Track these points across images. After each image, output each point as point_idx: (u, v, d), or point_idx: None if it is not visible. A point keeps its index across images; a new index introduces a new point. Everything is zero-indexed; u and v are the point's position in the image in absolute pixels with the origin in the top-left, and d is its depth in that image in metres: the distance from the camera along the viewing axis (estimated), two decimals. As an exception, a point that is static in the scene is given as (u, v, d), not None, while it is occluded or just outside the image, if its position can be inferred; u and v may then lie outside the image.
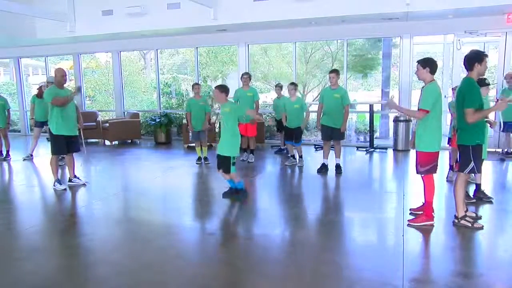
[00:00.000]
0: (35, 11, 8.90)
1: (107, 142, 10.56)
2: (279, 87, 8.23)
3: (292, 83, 7.28)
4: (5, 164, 8.21)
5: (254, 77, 12.08)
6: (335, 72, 6.56)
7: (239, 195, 5.32)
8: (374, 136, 9.33)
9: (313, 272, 3.33)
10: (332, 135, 6.67)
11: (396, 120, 8.82)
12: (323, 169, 6.76)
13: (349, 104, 6.63)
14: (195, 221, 4.77)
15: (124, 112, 11.51)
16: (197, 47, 10.64)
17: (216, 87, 5.39)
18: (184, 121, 9.66)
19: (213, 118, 10.84)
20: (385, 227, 4.46)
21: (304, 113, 7.18)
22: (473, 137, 4.03)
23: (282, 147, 8.49)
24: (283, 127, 8.18)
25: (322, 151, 7.11)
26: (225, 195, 5.40)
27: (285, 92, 8.44)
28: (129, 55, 13.70)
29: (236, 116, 5.33)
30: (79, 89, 6.23)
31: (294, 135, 7.23)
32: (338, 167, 6.75)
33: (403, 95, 9.00)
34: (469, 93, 3.92)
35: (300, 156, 7.45)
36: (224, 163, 5.24)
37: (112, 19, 9.27)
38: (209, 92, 12.14)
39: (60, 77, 5.91)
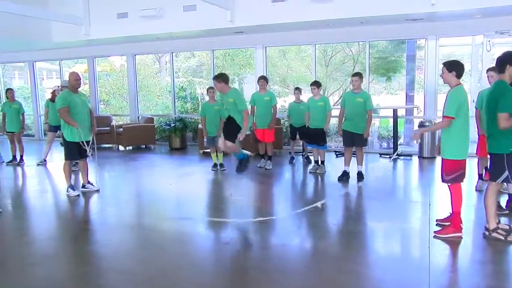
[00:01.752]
0: (50, 15, 9.12)
1: (121, 147, 10.71)
2: (298, 90, 8.19)
3: (315, 82, 7.32)
4: (18, 169, 8.41)
5: (272, 81, 12.10)
6: (358, 75, 6.53)
7: (242, 163, 5.66)
8: (398, 143, 9.22)
9: (332, 284, 3.30)
10: (354, 141, 6.62)
11: (422, 125, 8.69)
12: (344, 176, 6.71)
13: (373, 109, 6.59)
14: (210, 229, 4.79)
15: (138, 117, 11.67)
16: (213, 50, 10.74)
17: (214, 78, 5.57)
18: (200, 126, 9.73)
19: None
20: (409, 238, 4.39)
21: (327, 113, 7.16)
22: (507, 145, 3.92)
23: (294, 155, 8.44)
24: (296, 135, 8.17)
25: (343, 157, 7.06)
26: (238, 169, 5.78)
27: (303, 95, 8.42)
28: (144, 58, 13.88)
29: (238, 110, 5.62)
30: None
31: (318, 137, 7.21)
32: (360, 175, 6.69)
33: (429, 99, 8.89)
34: (503, 97, 3.84)
35: (322, 162, 7.42)
36: (233, 132, 5.56)
37: (127, 22, 9.43)
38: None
39: (74, 81, 5.99)
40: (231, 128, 5.73)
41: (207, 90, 7.73)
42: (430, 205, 5.35)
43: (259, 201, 5.93)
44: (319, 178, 7.07)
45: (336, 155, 9.04)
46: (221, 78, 5.66)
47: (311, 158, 8.16)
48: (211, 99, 7.61)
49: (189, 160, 9.24)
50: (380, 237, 4.41)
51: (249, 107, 6.93)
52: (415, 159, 8.59)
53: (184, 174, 7.58)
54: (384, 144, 10.53)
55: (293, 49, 12.73)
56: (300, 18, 8.12)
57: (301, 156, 8.69)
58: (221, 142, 5.73)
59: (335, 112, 7.86)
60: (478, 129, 5.65)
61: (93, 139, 6.17)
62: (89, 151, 6.07)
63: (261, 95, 7.57)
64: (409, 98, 10.64)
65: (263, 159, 7.89)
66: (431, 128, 4.31)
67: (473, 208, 5.18)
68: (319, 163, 7.44)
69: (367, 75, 9.24)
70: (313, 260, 3.83)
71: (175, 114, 11.31)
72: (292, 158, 8.37)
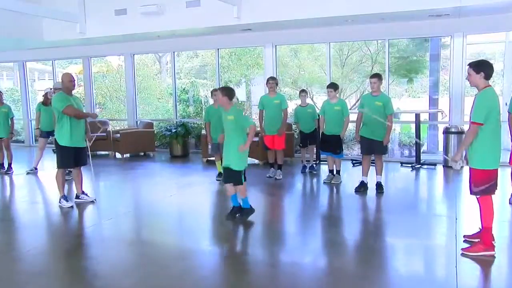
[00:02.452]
0: (42, 11, 9.16)
1: (118, 155, 10.79)
2: (304, 93, 8.17)
3: (332, 84, 7.33)
4: (6, 178, 8.49)
5: (282, 82, 12.12)
6: (377, 76, 6.53)
7: (242, 214, 5.35)
8: (421, 150, 9.18)
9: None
10: (373, 148, 6.61)
11: (447, 132, 8.66)
12: (361, 187, 6.69)
13: (393, 113, 6.58)
14: (215, 245, 4.80)
15: (137, 122, 11.77)
16: (218, 49, 10.81)
17: (220, 88, 5.42)
18: (203, 131, 9.76)
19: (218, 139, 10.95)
20: (434, 256, 4.36)
21: (345, 119, 7.18)
22: None
23: (306, 164, 8.44)
24: (307, 141, 8.17)
25: (360, 167, 7.05)
26: (229, 216, 5.41)
27: (318, 97, 8.43)
28: (143, 58, 13.98)
29: (240, 128, 5.26)
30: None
31: (333, 144, 7.21)
32: (379, 186, 6.67)
33: (454, 103, 8.84)
34: None
35: (338, 172, 7.41)
36: (233, 177, 5.27)
37: (125, 19, 9.52)
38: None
39: (68, 82, 6.04)
40: (232, 172, 5.25)
41: (212, 92, 7.73)
42: (456, 219, 5.31)
43: (268, 214, 5.93)
44: (334, 189, 7.06)
45: (353, 164, 9.02)
46: (226, 91, 5.27)
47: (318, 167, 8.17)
48: (216, 103, 7.60)
49: (191, 169, 9.28)
50: (401, 255, 4.38)
51: (251, 120, 6.71)
52: (440, 168, 8.54)
53: (186, 185, 7.60)
54: (406, 152, 10.48)
55: (306, 48, 12.75)
56: (313, 14, 8.14)
57: (313, 164, 8.63)
58: (230, 189, 5.35)
59: (353, 117, 7.85)
60: (511, 135, 5.61)
61: (87, 146, 6.22)
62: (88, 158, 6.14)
63: (271, 98, 7.59)
64: (433, 102, 10.62)
65: (272, 168, 7.89)
66: (465, 141, 4.22)
67: (507, 224, 5.14)
68: (334, 172, 7.43)
69: (387, 77, 9.24)
70: (327, 279, 3.81)
71: (176, 118, 11.38)
72: (304, 167, 8.37)
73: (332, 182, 7.31)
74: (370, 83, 6.60)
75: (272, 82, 7.63)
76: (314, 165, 8.48)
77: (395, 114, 8.92)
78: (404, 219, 5.47)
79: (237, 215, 5.39)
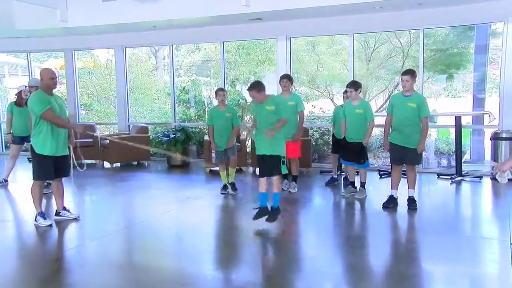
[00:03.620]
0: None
1: (107, 164, 10.83)
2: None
3: (353, 83, 7.31)
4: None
5: (298, 81, 12.13)
6: (410, 73, 6.50)
7: (270, 217, 5.84)
8: (463, 160, 9.10)
9: None
10: (405, 157, 6.58)
11: (496, 138, 8.57)
12: (391, 203, 6.66)
13: (428, 116, 6.54)
14: (219, 269, 4.79)
15: (129, 126, 11.84)
16: (223, 42, 10.86)
17: (252, 87, 5.97)
18: (206, 137, 9.78)
19: (243, 134, 10.91)
20: (482, 287, 4.29)
21: (368, 124, 7.15)
22: None
23: (335, 176, 8.43)
24: (340, 148, 8.17)
25: (389, 178, 7.01)
26: (257, 215, 5.89)
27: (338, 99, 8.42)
28: (137, 52, 14.09)
29: (278, 118, 5.96)
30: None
31: (356, 153, 7.19)
32: (412, 201, 6.63)
33: (506, 103, 8.71)
34: None
35: (362, 184, 7.39)
36: (273, 165, 5.86)
37: (115, 6, 9.57)
38: (238, 100, 12.24)
39: (49, 80, 6.00)
40: (271, 159, 5.92)
41: (216, 92, 7.76)
42: (511, 243, 5.22)
43: (280, 234, 5.90)
44: (358, 205, 7.03)
45: (380, 175, 8.97)
46: (259, 87, 5.96)
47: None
48: (221, 104, 7.67)
49: (192, 180, 9.32)
50: (440, 284, 4.33)
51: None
52: (487, 181, 8.47)
53: (186, 199, 7.61)
54: (444, 162, 10.41)
55: (325, 40, 12.77)
56: (334, 1, 8.16)
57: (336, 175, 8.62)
58: (263, 183, 5.93)
59: (380, 120, 7.82)
60: None
61: (70, 154, 6.22)
62: (77, 166, 6.18)
63: (285, 98, 7.58)
64: (478, 102, 10.55)
65: (285, 180, 7.89)
66: None
67: None
68: (357, 184, 7.42)
69: (421, 73, 9.21)
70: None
71: (175, 122, 11.44)
72: (333, 179, 8.35)
73: (356, 196, 7.29)
74: (401, 81, 6.57)
75: (286, 80, 7.66)
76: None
77: (431, 117, 8.86)
78: (442, 241, 5.41)
79: (266, 218, 5.83)
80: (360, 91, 7.40)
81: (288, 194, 7.61)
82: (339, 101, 8.25)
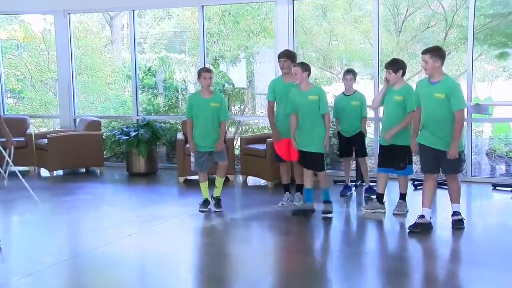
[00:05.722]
0: None
1: (45, 172, 10.77)
2: (351, 74, 8.13)
3: (393, 62, 7.33)
4: None
5: (304, 58, 12.10)
6: (430, 51, 6.42)
7: (326, 210, 7.29)
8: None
9: None
10: (440, 164, 6.58)
11: None
12: (419, 226, 6.58)
13: (463, 108, 6.48)
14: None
15: (75, 120, 11.77)
16: (203, 6, 10.80)
17: (299, 63, 7.15)
18: (180, 135, 9.73)
19: (231, 132, 10.87)
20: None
21: (408, 116, 7.11)
22: None
23: (349, 183, 8.52)
24: (348, 149, 8.22)
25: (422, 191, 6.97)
26: (297, 211, 7.36)
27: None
28: (85, 19, 14.02)
29: (319, 112, 7.10)
30: None
31: (396, 155, 7.19)
32: (457, 219, 6.64)
33: None
34: None
35: (402, 196, 7.42)
36: (316, 162, 7.15)
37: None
38: (223, 85, 12.21)
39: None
40: (314, 156, 7.16)
41: (199, 73, 7.66)
42: None
43: (282, 265, 5.91)
44: (388, 224, 7.13)
45: (415, 186, 8.94)
46: (306, 66, 7.13)
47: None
48: (206, 90, 7.62)
49: (161, 194, 9.28)
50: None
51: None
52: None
53: (153, 219, 7.56)
54: (502, 167, 10.43)
55: (341, 4, 12.77)
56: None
57: (353, 186, 8.70)
58: (309, 177, 7.40)
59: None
60: None
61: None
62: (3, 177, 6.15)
63: (287, 84, 7.61)
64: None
65: (287, 193, 7.92)
66: None
67: None
68: (399, 197, 7.44)
69: (470, 47, 9.21)
70: None
71: (137, 115, 11.40)
72: (347, 187, 8.50)
73: (395, 212, 7.34)
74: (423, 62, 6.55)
75: (286, 60, 7.65)
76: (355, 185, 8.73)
77: (483, 108, 8.88)
78: (499, 277, 5.39)
79: (323, 214, 7.26)
80: (403, 74, 7.34)
81: (293, 207, 7.66)
82: (359, 85, 8.22)
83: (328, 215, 7.26)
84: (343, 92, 8.37)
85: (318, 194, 7.46)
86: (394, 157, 7.22)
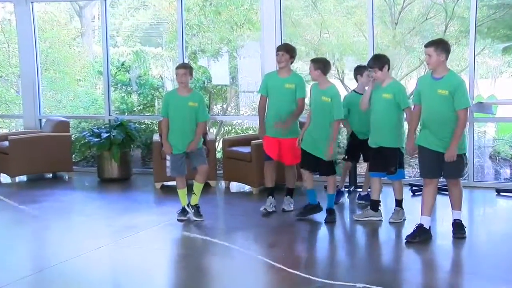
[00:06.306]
0: None
1: (5, 178, 10.74)
2: (366, 70, 8.00)
3: (376, 58, 7.37)
4: None
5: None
6: (434, 44, 6.42)
7: (329, 217, 7.45)
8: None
9: None
10: (441, 167, 6.56)
11: None
12: (417, 236, 6.58)
13: (467, 107, 6.48)
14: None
15: (40, 121, 11.73)
16: (181, -5, 10.84)
17: (312, 60, 7.44)
18: (156, 136, 9.70)
19: (212, 133, 10.85)
20: None
21: (405, 112, 7.18)
22: None
23: (342, 188, 8.59)
24: (359, 153, 8.28)
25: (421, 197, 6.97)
26: (302, 214, 7.60)
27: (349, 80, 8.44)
28: (52, 9, 13.94)
29: (331, 114, 7.25)
30: None
31: (385, 158, 7.21)
32: (458, 227, 6.66)
33: None
34: None
35: (398, 203, 7.45)
36: (325, 166, 7.38)
37: None
38: (203, 82, 12.19)
39: None
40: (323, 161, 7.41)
41: (177, 70, 7.70)
42: None
43: (269, 282, 5.93)
44: (382, 233, 7.15)
45: (413, 191, 8.96)
46: (320, 63, 7.36)
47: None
48: (183, 88, 7.62)
49: (135, 201, 9.26)
50: None
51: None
52: None
53: (127, 229, 7.53)
54: (506, 171, 10.47)
55: (332, -6, 12.80)
56: None
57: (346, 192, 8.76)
58: (309, 180, 7.67)
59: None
60: None
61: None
62: None
63: (282, 79, 7.70)
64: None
65: (270, 197, 7.93)
66: None
67: None
68: (395, 203, 7.48)
69: (472, 40, 9.26)
70: None
71: (109, 115, 11.38)
72: (340, 193, 8.51)
73: (392, 220, 7.36)
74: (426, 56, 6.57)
75: (284, 54, 7.70)
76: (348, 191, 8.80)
77: (487, 107, 8.91)
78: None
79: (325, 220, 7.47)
80: (389, 68, 7.35)
81: (282, 214, 7.74)
82: (353, 82, 8.23)
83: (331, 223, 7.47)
84: (354, 90, 8.38)
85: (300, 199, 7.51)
86: (383, 160, 7.26)
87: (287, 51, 7.71)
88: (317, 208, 7.62)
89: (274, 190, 7.96)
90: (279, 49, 7.83)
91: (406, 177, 8.48)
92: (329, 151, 7.20)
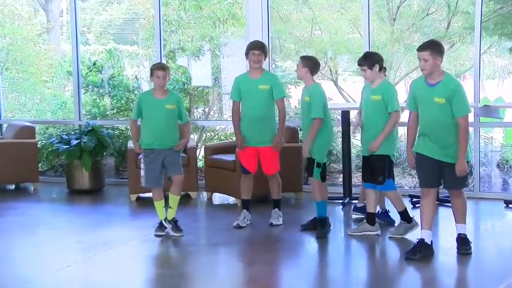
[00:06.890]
0: None
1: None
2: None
3: (365, 57, 7.33)
4: None
5: (282, 52, 12.10)
6: (429, 47, 6.39)
7: (319, 233, 7.42)
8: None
9: None
10: (442, 177, 6.59)
11: None
12: (418, 252, 6.56)
13: (467, 114, 6.48)
14: None
15: (1, 126, 11.73)
16: (159, -12, 10.83)
17: (301, 57, 7.52)
18: (131, 143, 9.65)
19: (193, 139, 10.81)
20: None
21: (390, 116, 7.14)
22: None
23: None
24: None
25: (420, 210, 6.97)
26: (305, 226, 7.74)
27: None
28: (11, 1, 13.89)
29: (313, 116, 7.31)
30: None
31: (371, 167, 7.25)
32: (463, 242, 6.63)
33: None
34: None
35: (402, 216, 7.41)
36: (308, 164, 7.52)
37: None
38: (183, 84, 12.17)
39: None
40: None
41: (152, 71, 7.66)
42: None
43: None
44: (380, 248, 7.13)
45: (413, 203, 8.97)
46: (308, 61, 7.44)
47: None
48: (159, 90, 7.59)
49: (108, 215, 9.25)
50: None
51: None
52: None
53: (99, 245, 7.50)
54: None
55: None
56: None
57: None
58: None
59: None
60: None
61: None
62: None
63: (254, 80, 7.68)
64: None
65: (245, 211, 7.92)
66: None
67: None
68: (400, 217, 7.47)
69: (477, 38, 9.29)
70: None
71: (80, 119, 11.35)
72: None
73: (391, 235, 7.36)
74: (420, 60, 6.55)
75: (259, 53, 7.65)
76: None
77: (494, 111, 8.91)
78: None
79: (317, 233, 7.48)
80: (381, 68, 7.37)
81: (269, 229, 7.75)
82: (347, 83, 8.22)
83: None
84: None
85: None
86: (372, 169, 7.29)
87: (263, 51, 7.71)
88: (326, 223, 7.65)
89: (250, 203, 7.94)
90: (255, 47, 7.68)
91: (406, 188, 8.51)
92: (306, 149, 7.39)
